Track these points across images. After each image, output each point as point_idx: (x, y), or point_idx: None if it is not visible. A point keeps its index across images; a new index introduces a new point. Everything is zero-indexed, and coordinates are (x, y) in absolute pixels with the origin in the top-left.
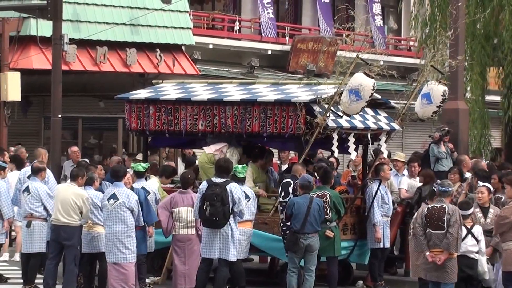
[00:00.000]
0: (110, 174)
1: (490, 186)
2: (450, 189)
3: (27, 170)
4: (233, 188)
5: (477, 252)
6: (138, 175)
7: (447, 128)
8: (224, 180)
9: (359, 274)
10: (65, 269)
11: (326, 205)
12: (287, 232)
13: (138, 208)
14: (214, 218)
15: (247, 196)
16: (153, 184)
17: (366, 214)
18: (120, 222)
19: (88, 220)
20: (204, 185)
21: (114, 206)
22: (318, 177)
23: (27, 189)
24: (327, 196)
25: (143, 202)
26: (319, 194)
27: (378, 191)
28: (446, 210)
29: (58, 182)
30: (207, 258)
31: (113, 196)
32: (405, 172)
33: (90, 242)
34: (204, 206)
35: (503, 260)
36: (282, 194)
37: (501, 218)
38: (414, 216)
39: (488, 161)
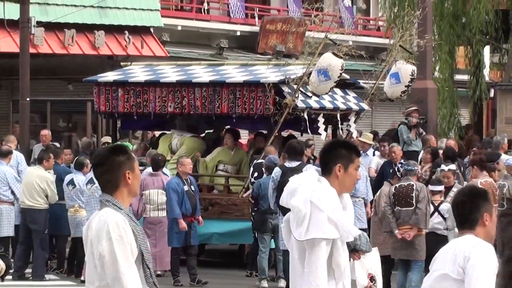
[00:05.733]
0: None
1: (454, 166)
2: (416, 168)
3: None
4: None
5: (445, 229)
6: None
7: (426, 119)
8: (298, 163)
9: None
10: (34, 254)
11: None
12: (256, 212)
13: None
14: None
15: None
16: None
17: None
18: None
19: (75, 204)
20: (277, 171)
21: (92, 190)
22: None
23: None
24: None
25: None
26: None
27: None
28: (414, 187)
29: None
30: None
31: (91, 181)
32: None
33: (77, 226)
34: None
35: None
36: (255, 175)
37: None
38: (377, 194)
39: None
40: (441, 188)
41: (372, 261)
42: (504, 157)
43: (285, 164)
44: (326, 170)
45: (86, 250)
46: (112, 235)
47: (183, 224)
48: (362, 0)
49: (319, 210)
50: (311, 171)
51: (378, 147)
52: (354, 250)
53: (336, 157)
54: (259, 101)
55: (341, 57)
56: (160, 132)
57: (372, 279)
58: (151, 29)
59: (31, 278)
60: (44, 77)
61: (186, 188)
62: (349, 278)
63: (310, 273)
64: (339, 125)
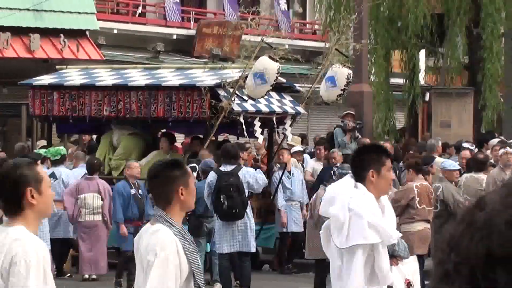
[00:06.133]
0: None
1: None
2: (349, 171)
3: None
4: (245, 173)
5: None
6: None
7: (362, 124)
8: (233, 167)
9: (265, 258)
10: None
11: None
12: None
13: None
14: (234, 211)
15: None
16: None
17: (272, 198)
18: None
19: None
20: (212, 176)
21: None
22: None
23: None
24: None
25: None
26: None
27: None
28: None
29: None
30: (228, 253)
31: None
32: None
33: None
34: (221, 199)
35: None
36: None
37: (393, 201)
38: (313, 198)
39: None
40: None
41: (410, 268)
42: (438, 160)
43: (220, 168)
44: (360, 177)
45: (136, 258)
46: (159, 254)
47: (123, 229)
48: (299, 4)
49: (358, 216)
50: (347, 178)
51: (314, 151)
52: (392, 256)
53: (367, 163)
54: (195, 105)
55: (277, 61)
56: (95, 136)
57: (409, 284)
58: (87, 33)
59: None
60: None
61: (133, 191)
62: (390, 281)
63: (347, 279)
64: (275, 129)
